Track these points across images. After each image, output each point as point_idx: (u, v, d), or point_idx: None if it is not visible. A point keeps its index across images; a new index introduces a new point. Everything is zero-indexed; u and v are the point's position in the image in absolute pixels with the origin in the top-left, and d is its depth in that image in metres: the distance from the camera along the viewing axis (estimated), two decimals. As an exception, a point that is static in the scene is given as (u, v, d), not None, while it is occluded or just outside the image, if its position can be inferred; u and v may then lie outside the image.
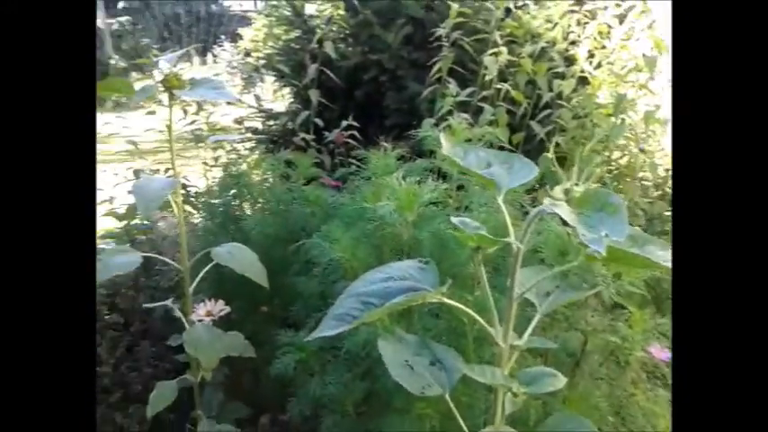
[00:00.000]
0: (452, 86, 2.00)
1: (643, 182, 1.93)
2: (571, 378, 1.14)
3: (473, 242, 0.77)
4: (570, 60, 2.18)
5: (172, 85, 1.14)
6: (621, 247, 0.66)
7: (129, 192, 1.18)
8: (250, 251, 1.27)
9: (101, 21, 9.78)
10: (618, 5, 2.10)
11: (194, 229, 1.72)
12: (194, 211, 1.85)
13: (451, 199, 1.40)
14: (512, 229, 0.75)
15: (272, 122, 2.77)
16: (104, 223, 1.92)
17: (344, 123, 2.16)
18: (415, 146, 1.58)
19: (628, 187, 1.85)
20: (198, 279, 1.27)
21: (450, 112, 1.92)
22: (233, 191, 1.66)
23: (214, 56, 8.11)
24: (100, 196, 1.92)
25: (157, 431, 1.51)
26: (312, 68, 2.31)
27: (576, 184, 0.71)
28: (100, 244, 1.80)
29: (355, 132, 2.15)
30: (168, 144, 1.23)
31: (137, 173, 1.99)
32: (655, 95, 1.97)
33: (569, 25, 2.20)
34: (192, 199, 1.90)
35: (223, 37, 8.70)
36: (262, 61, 3.24)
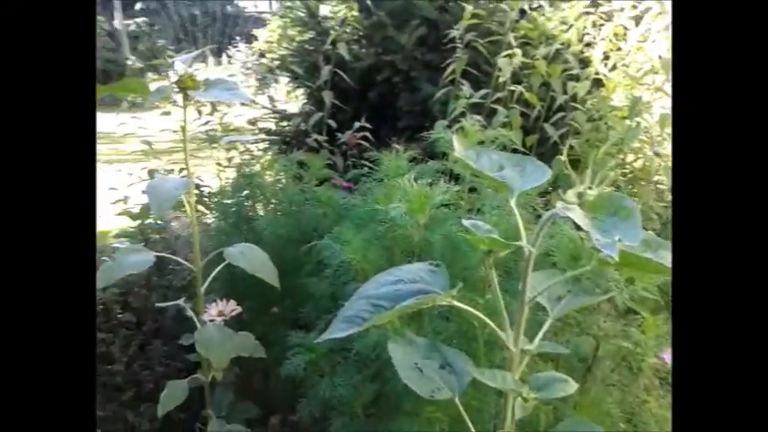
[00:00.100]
0: (466, 88, 2.00)
1: (658, 185, 1.91)
2: (582, 384, 1.13)
3: (485, 245, 0.76)
4: (585, 62, 2.16)
5: (186, 85, 1.15)
6: (635, 252, 0.66)
7: (143, 191, 1.19)
8: (262, 252, 1.27)
9: (118, 22, 9.91)
10: (634, 7, 2.08)
11: (207, 229, 1.73)
12: (207, 212, 1.86)
13: (463, 201, 1.40)
14: (524, 233, 0.75)
15: (285, 123, 2.78)
16: (119, 222, 1.94)
17: (357, 125, 2.17)
18: (428, 148, 1.58)
19: (642, 191, 1.83)
20: (210, 279, 1.28)
21: (463, 114, 1.91)
22: (246, 191, 1.66)
23: (229, 57, 8.16)
24: (114, 195, 1.94)
25: (168, 430, 1.52)
26: (326, 70, 2.32)
27: (590, 188, 0.70)
28: (114, 243, 1.82)
29: (368, 134, 2.15)
30: (182, 144, 1.23)
31: (151, 173, 2.01)
32: (670, 98, 1.95)
33: (584, 27, 2.18)
34: (206, 199, 1.91)
35: (238, 38, 8.76)
36: (276, 62, 3.26)
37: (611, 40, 2.10)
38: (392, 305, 0.72)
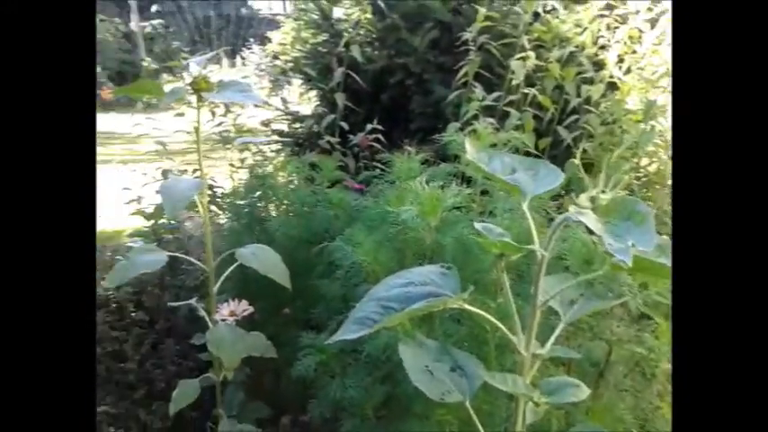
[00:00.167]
0: (478, 91, 1.99)
1: (672, 190, 1.88)
2: (595, 389, 1.12)
3: (497, 249, 0.76)
4: (599, 65, 2.15)
5: (200, 87, 1.16)
6: (648, 257, 0.65)
7: (157, 192, 1.21)
8: (274, 252, 1.28)
9: (134, 24, 10.02)
10: (650, 9, 2.06)
11: (220, 230, 1.75)
12: (220, 212, 1.87)
13: (475, 204, 1.39)
14: (536, 236, 0.74)
15: (297, 125, 2.79)
16: (133, 222, 1.96)
17: (369, 127, 2.17)
18: (440, 150, 1.57)
19: (656, 195, 1.82)
20: (222, 279, 1.29)
21: (475, 117, 1.91)
22: (258, 192, 1.67)
23: (243, 58, 8.22)
24: (129, 195, 1.96)
25: (179, 429, 1.53)
26: (338, 72, 2.32)
27: (603, 192, 0.70)
28: (128, 242, 1.84)
29: (380, 136, 2.15)
30: (196, 145, 1.24)
31: (165, 173, 2.03)
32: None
33: (599, 30, 2.17)
34: (219, 200, 1.92)
35: (252, 40, 8.82)
36: (289, 64, 3.28)
37: (625, 43, 2.09)
38: (403, 307, 0.72)
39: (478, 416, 0.81)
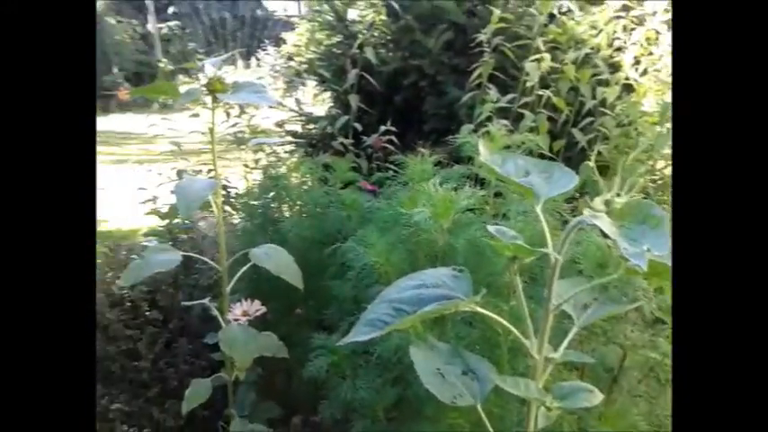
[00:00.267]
0: (492, 92, 1.99)
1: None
2: (608, 394, 1.11)
3: (509, 251, 0.75)
4: (615, 67, 2.13)
5: (215, 88, 1.17)
6: (663, 261, 0.64)
7: (172, 191, 1.22)
8: (286, 253, 1.28)
9: (151, 25, 10.13)
10: (667, 11, 2.04)
11: (233, 230, 1.76)
12: (234, 212, 1.89)
13: (488, 206, 1.39)
14: (550, 240, 0.74)
15: (311, 126, 2.80)
16: (148, 221, 1.98)
17: (383, 128, 2.17)
18: (453, 152, 1.57)
19: (672, 199, 1.79)
20: (235, 279, 1.30)
21: (489, 119, 1.90)
22: (272, 193, 1.68)
23: (257, 60, 8.27)
24: (144, 195, 1.98)
25: (192, 427, 1.54)
26: (352, 73, 2.33)
27: (618, 195, 0.69)
28: (143, 241, 1.85)
29: (393, 137, 2.15)
30: (211, 146, 1.25)
31: (179, 173, 2.05)
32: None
33: (615, 31, 2.15)
34: (232, 200, 1.93)
35: (267, 41, 8.88)
36: (303, 66, 3.29)
37: (642, 45, 2.07)
38: (414, 310, 0.72)
39: (490, 419, 0.81)
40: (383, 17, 2.52)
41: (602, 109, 2.02)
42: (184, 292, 1.69)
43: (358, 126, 2.33)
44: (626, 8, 2.16)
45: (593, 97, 2.04)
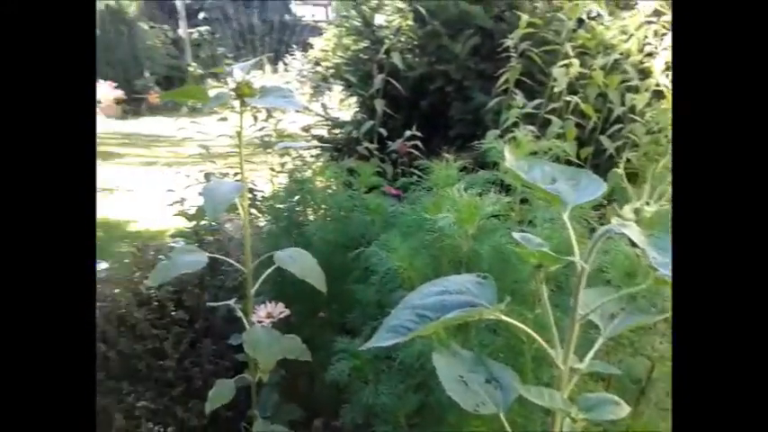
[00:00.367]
0: (519, 98, 1.97)
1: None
2: (635, 407, 1.09)
3: (535, 259, 0.74)
4: (645, 73, 2.09)
5: (243, 92, 1.18)
6: (695, 272, 0.63)
7: (200, 194, 1.24)
8: (311, 256, 1.29)
9: (182, 30, 10.33)
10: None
11: (259, 233, 1.77)
12: (260, 215, 1.91)
13: (514, 213, 1.37)
14: (577, 248, 0.73)
15: (337, 131, 2.82)
16: (175, 223, 2.01)
17: (408, 133, 2.17)
18: (479, 157, 1.56)
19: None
20: (260, 281, 1.31)
21: (515, 124, 1.89)
22: (297, 196, 1.69)
23: (285, 64, 8.37)
24: (172, 197, 2.02)
25: (215, 427, 1.55)
26: (379, 78, 2.34)
27: (648, 204, 0.68)
28: (170, 242, 1.88)
29: (418, 142, 2.15)
30: (238, 149, 1.27)
31: (207, 176, 2.08)
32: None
33: (645, 37, 2.11)
34: (258, 203, 1.96)
35: (294, 46, 8.98)
36: (330, 71, 3.32)
37: (673, 50, 2.03)
38: (438, 316, 0.71)
39: (513, 429, 0.80)
40: (410, 22, 2.53)
41: (631, 115, 1.98)
42: (210, 293, 1.71)
43: (383, 131, 2.33)
44: (657, 13, 2.12)
45: (623, 103, 2.01)
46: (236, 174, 2.05)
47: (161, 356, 1.60)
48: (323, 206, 1.68)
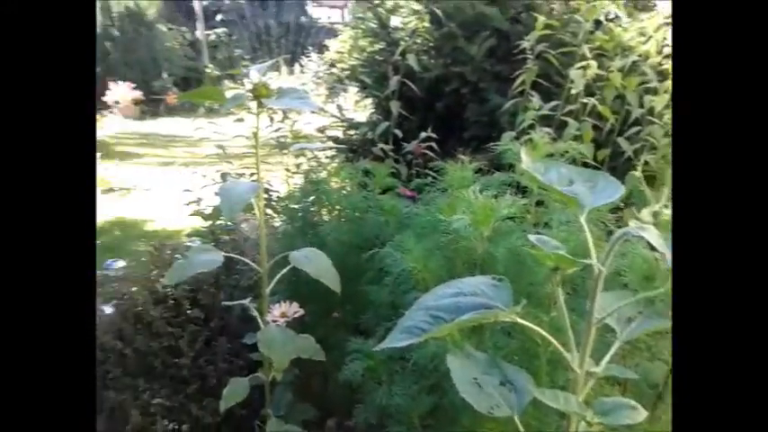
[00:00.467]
0: (535, 100, 1.96)
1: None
2: (652, 411, 1.07)
3: (551, 261, 0.74)
4: (664, 75, 2.07)
5: (260, 94, 1.19)
6: (714, 276, 0.62)
7: (216, 194, 1.25)
8: (325, 257, 1.30)
9: (200, 32, 10.42)
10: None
11: (274, 233, 1.78)
12: (275, 215, 1.92)
13: (530, 215, 1.36)
14: (594, 250, 0.72)
15: (352, 132, 2.83)
16: (192, 222, 2.03)
17: (423, 135, 2.17)
18: (495, 159, 1.55)
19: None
20: (275, 281, 1.31)
21: (532, 126, 1.87)
22: (312, 197, 1.70)
23: (301, 66, 8.42)
24: (188, 197, 2.04)
25: (229, 425, 1.57)
26: (394, 80, 2.34)
27: (666, 206, 0.67)
28: (186, 242, 1.90)
29: (433, 144, 2.15)
30: (254, 150, 1.28)
31: (224, 176, 2.10)
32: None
33: (664, 38, 2.09)
34: (274, 203, 1.97)
35: (310, 48, 9.02)
36: (346, 72, 3.33)
37: (693, 52, 2.00)
38: (452, 318, 0.71)
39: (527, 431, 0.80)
40: (426, 24, 2.53)
41: (649, 118, 1.96)
42: (225, 292, 1.72)
43: (398, 132, 2.33)
44: (677, 14, 2.09)
45: (641, 106, 1.99)
46: (252, 174, 2.06)
47: (176, 354, 1.62)
48: (338, 207, 1.68)
